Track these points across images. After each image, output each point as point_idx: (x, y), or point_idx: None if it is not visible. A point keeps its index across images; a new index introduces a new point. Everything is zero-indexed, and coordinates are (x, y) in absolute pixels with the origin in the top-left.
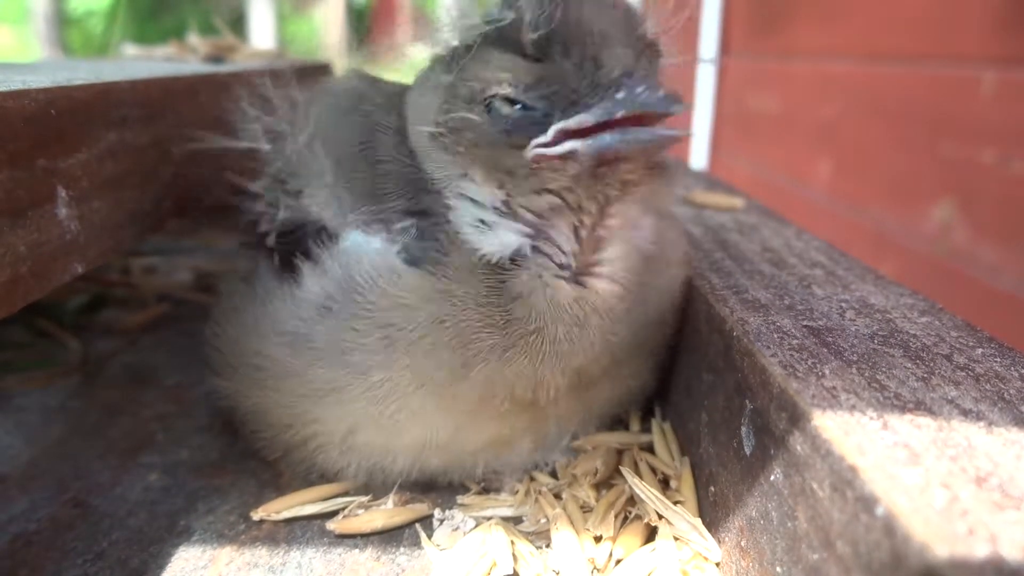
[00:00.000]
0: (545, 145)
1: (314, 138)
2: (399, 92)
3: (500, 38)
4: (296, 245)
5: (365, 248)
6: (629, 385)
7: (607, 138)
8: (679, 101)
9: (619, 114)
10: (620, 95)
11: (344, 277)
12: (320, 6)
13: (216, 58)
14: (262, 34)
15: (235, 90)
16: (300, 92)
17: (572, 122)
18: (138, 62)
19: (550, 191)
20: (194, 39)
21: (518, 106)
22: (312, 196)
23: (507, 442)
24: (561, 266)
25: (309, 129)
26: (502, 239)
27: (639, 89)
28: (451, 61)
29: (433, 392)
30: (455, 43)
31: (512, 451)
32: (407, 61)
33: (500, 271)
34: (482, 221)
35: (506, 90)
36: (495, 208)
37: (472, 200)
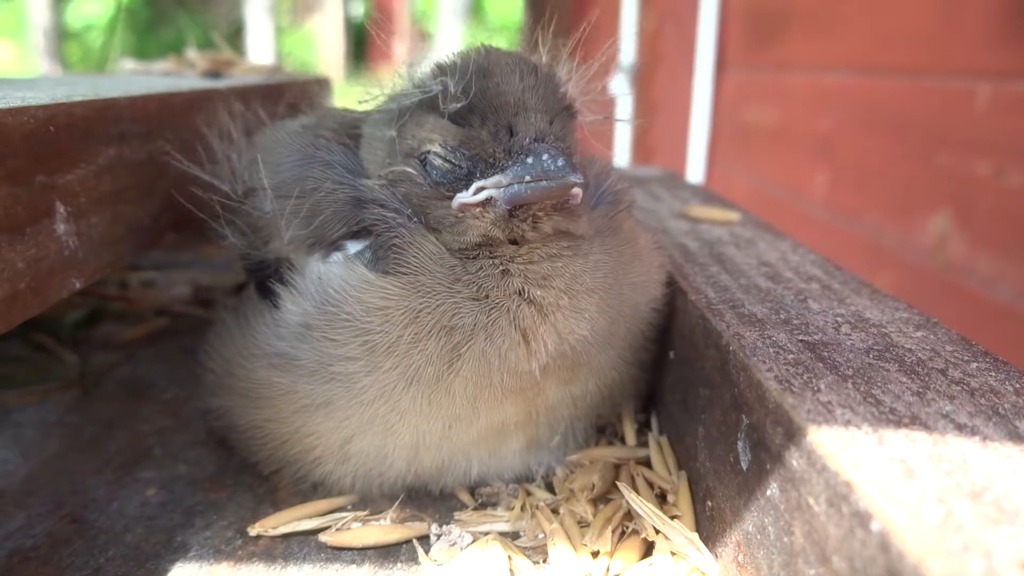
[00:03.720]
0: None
1: (263, 176)
2: (354, 121)
3: (432, 104)
4: (269, 275)
5: (327, 270)
6: (611, 377)
7: (516, 187)
8: (576, 171)
9: (527, 178)
10: (529, 160)
11: (319, 294)
12: (318, 20)
13: (214, 73)
14: (260, 47)
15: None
16: (258, 127)
17: (489, 182)
18: (136, 77)
19: (474, 228)
20: (192, 54)
21: (447, 163)
22: (270, 236)
23: (500, 436)
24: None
25: (258, 169)
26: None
27: (545, 156)
28: (394, 119)
29: (425, 387)
30: (397, 105)
31: (506, 447)
32: (400, 78)
33: (460, 256)
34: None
35: (436, 149)
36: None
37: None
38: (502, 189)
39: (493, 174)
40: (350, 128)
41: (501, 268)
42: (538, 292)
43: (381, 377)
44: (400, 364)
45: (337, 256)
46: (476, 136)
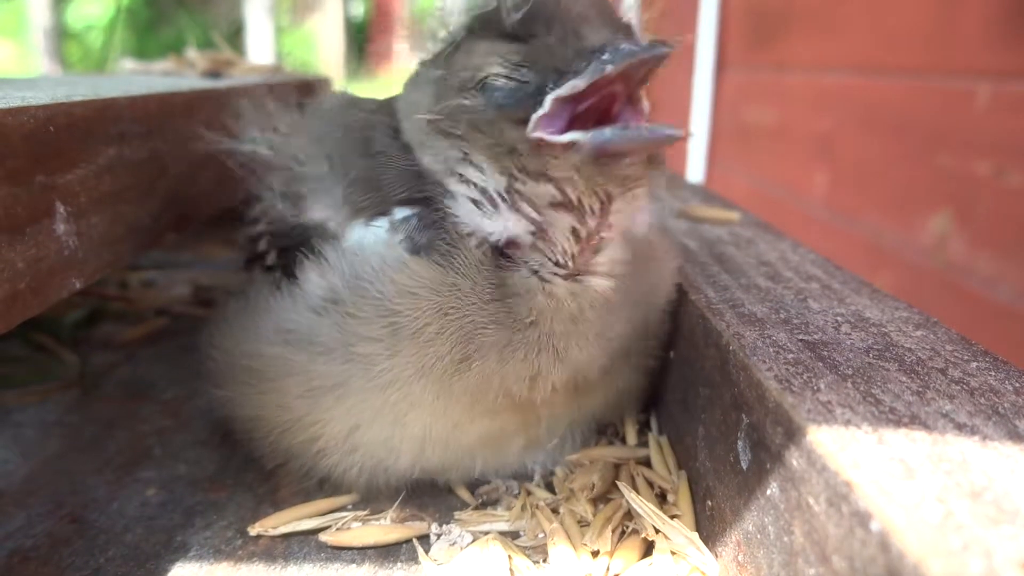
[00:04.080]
0: (545, 119)
1: (309, 143)
2: (388, 100)
3: (483, 27)
4: (298, 246)
5: (369, 239)
6: (617, 386)
7: (607, 132)
8: (666, 43)
9: (609, 69)
10: (606, 56)
11: (350, 268)
12: (318, 20)
13: (214, 73)
14: (260, 47)
15: (235, 102)
16: (294, 106)
17: (564, 89)
18: (136, 77)
19: (551, 179)
20: (192, 54)
21: (511, 81)
22: (313, 200)
23: (501, 438)
24: (558, 264)
25: (304, 136)
26: (504, 223)
27: (623, 46)
28: (439, 58)
29: (433, 381)
30: (441, 41)
31: (508, 447)
32: (403, 74)
33: (502, 268)
34: (484, 203)
35: (496, 70)
36: (498, 193)
37: (474, 184)
38: (590, 135)
39: (567, 81)
40: (387, 108)
41: (531, 319)
42: (562, 345)
43: (399, 362)
44: (418, 352)
45: (382, 221)
46: (541, 46)
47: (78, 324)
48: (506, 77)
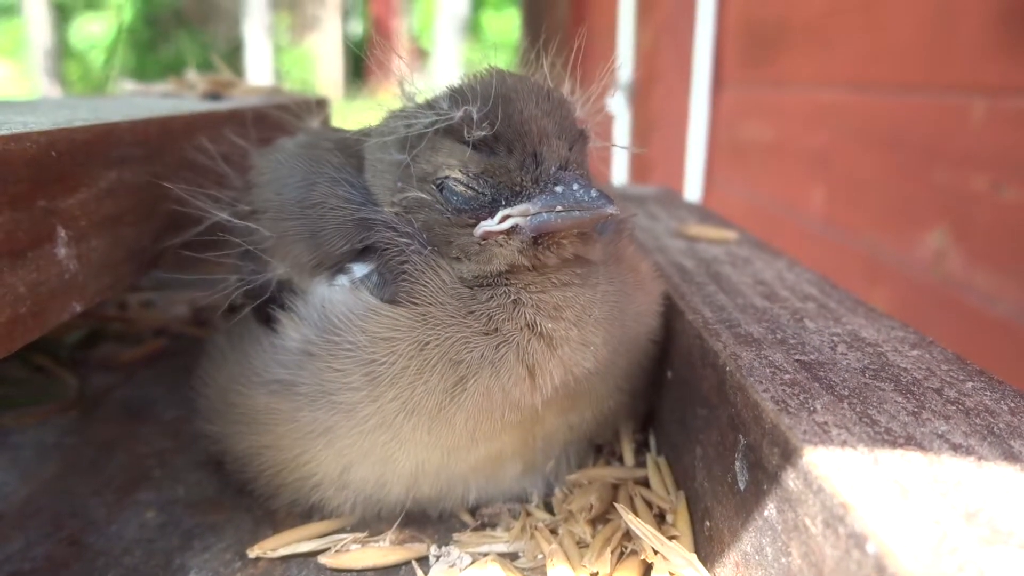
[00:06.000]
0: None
1: (260, 197)
2: (350, 141)
3: (449, 130)
4: (270, 299)
5: (336, 295)
6: (607, 405)
7: (545, 216)
8: (611, 201)
9: (557, 208)
10: (559, 189)
11: (321, 321)
12: (317, 38)
13: (214, 95)
14: (259, 65)
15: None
16: (255, 151)
17: (517, 210)
18: (137, 99)
19: (495, 259)
20: (192, 75)
21: (469, 190)
22: (269, 257)
23: (497, 462)
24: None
25: (254, 190)
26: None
27: (576, 186)
28: (404, 143)
29: (425, 418)
30: (407, 130)
31: (503, 473)
32: (403, 99)
33: (468, 284)
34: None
35: (456, 175)
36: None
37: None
38: (528, 217)
39: (519, 202)
40: (349, 147)
41: (513, 298)
42: (549, 325)
43: (384, 407)
44: (402, 395)
45: (343, 279)
46: (502, 164)
47: (77, 345)
48: (464, 185)
